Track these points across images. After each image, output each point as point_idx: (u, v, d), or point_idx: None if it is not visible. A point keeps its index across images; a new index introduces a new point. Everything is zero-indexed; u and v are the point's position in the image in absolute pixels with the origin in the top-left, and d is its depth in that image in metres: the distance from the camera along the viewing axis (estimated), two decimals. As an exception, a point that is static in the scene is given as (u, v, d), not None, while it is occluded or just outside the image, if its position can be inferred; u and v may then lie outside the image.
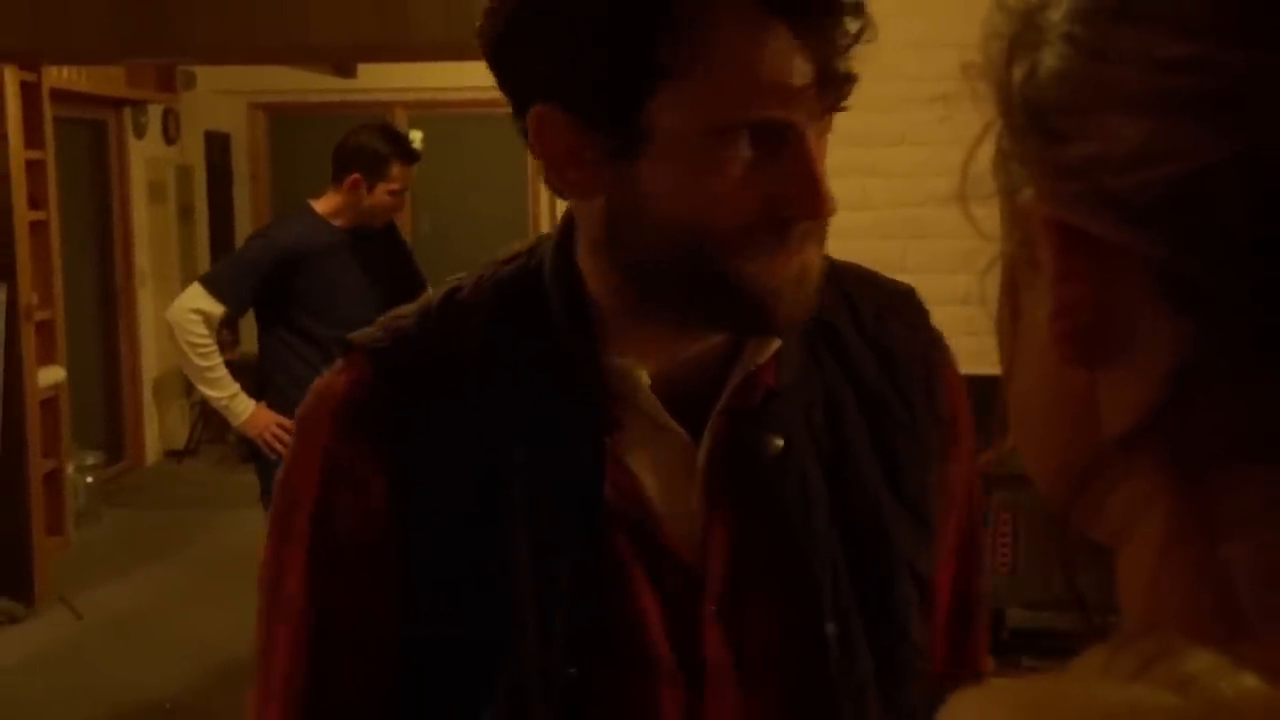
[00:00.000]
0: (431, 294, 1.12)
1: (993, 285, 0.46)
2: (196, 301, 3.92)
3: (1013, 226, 0.46)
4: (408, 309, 1.11)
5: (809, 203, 0.90)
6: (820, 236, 0.96)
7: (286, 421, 3.98)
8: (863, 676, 1.03)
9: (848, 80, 0.89)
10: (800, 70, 0.87)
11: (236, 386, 4.01)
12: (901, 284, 1.16)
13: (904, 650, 1.05)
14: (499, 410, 1.02)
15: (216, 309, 3.93)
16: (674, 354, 1.02)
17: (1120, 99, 0.39)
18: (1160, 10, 0.38)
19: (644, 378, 1.00)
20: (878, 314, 1.10)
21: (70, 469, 6.42)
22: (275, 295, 3.99)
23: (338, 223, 4.04)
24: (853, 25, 0.88)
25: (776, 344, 1.02)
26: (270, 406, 4.03)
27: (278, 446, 3.97)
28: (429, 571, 1.00)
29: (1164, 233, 0.38)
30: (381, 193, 4.03)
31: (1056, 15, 0.41)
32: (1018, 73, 0.43)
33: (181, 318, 3.93)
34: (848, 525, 1.04)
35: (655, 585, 1.01)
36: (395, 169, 4.03)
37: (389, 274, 4.19)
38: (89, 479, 6.95)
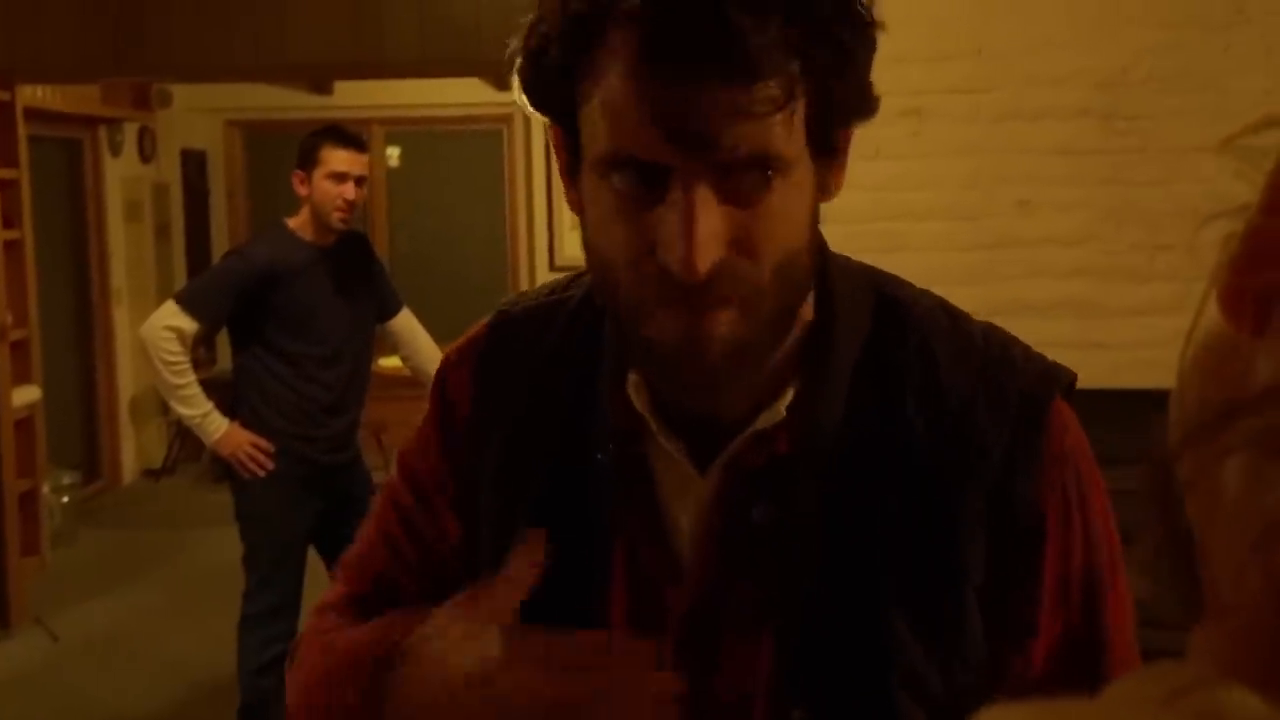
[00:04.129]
0: (580, 270, 1.15)
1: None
2: (170, 319, 3.90)
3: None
4: (556, 280, 1.17)
5: (672, 251, 0.87)
6: (727, 308, 0.91)
7: (260, 441, 3.96)
8: None
9: (712, 142, 0.85)
10: (666, 121, 0.85)
11: (210, 405, 3.98)
12: (1041, 365, 1.02)
13: None
14: (552, 393, 1.09)
15: (190, 326, 3.90)
16: None
17: None
18: None
19: (641, 399, 1.01)
20: (970, 397, 0.99)
21: (46, 489, 6.39)
22: (250, 313, 3.97)
23: (309, 237, 4.03)
24: (768, 90, 0.85)
25: (782, 412, 0.98)
26: (244, 425, 4.01)
27: (251, 465, 3.95)
28: (472, 509, 1.12)
29: None
30: (320, 180, 3.97)
31: None
32: None
33: (155, 335, 3.89)
34: (837, 618, 0.98)
35: (633, 602, 1.04)
36: (325, 151, 3.98)
37: (364, 291, 4.19)
38: (65, 499, 6.90)
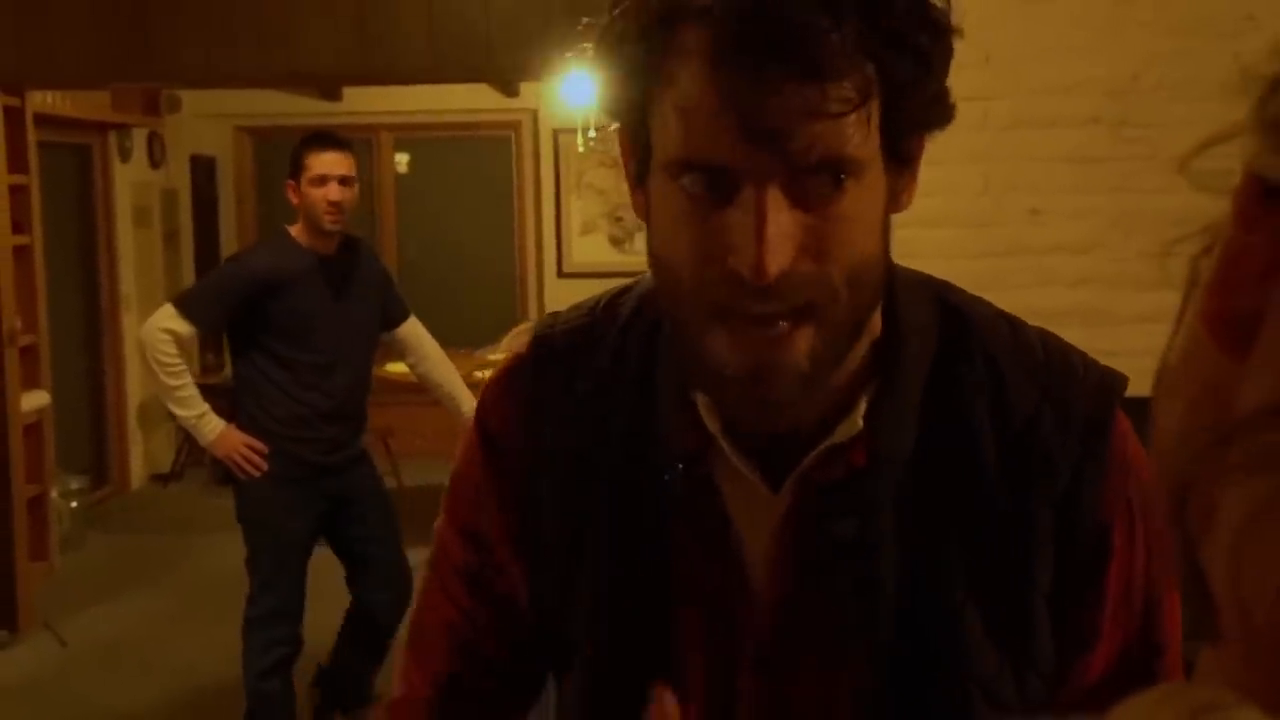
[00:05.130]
0: (620, 284, 1.14)
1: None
2: (167, 322, 3.95)
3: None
4: (595, 296, 1.13)
5: (742, 254, 0.86)
6: (802, 326, 0.90)
7: (255, 442, 4.00)
8: None
9: (784, 141, 0.85)
10: (738, 119, 0.85)
11: (206, 406, 4.02)
12: (1100, 374, 1.02)
13: None
14: (608, 414, 1.06)
15: (186, 330, 3.95)
16: None
17: None
18: None
19: (713, 422, 0.99)
20: (1035, 407, 0.99)
21: (54, 494, 6.39)
22: (249, 319, 4.00)
23: (308, 244, 4.05)
24: (842, 90, 0.84)
25: (858, 427, 0.98)
26: (242, 430, 4.04)
27: (247, 467, 4.00)
28: (534, 544, 1.09)
29: None
30: (306, 186, 3.99)
31: None
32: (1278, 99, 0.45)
33: (152, 337, 3.95)
34: (916, 631, 0.99)
35: (704, 621, 1.03)
36: (308, 157, 4.01)
37: (366, 298, 4.19)
38: (73, 504, 6.91)
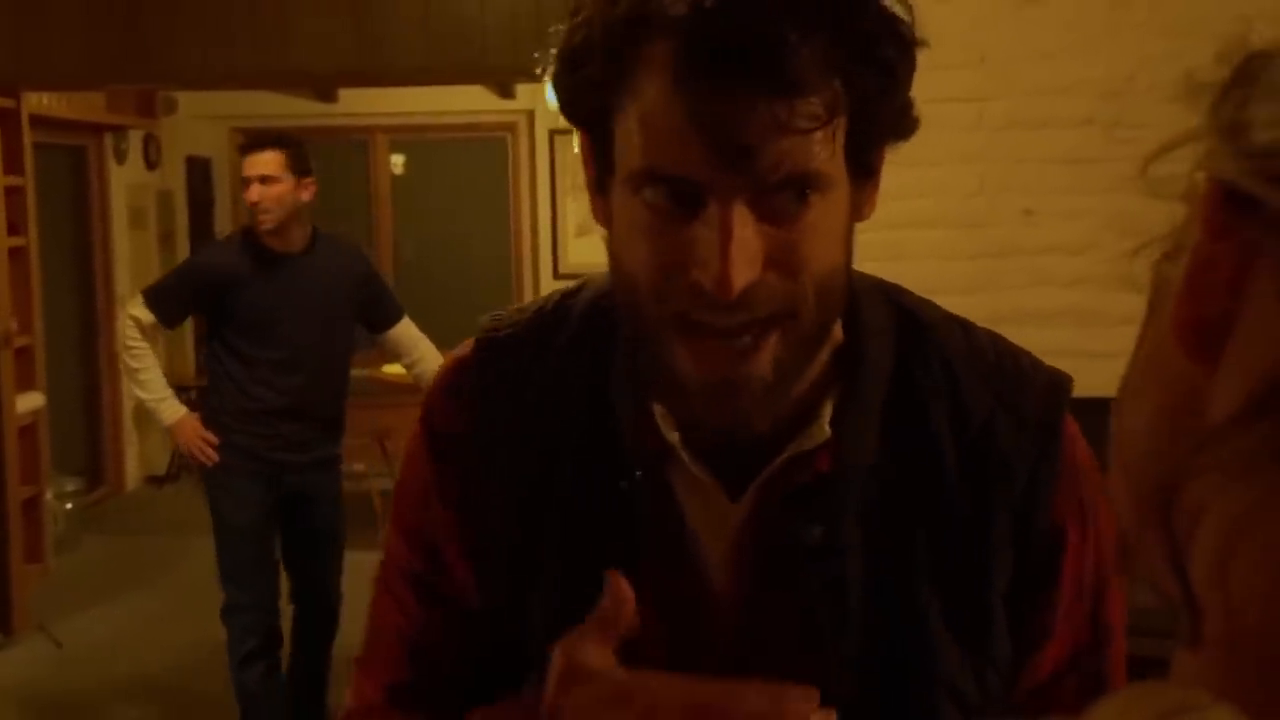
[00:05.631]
0: (566, 287, 1.12)
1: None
2: (134, 309, 4.14)
3: (1187, 219, 0.47)
4: (540, 298, 1.12)
5: (707, 268, 0.86)
6: (766, 339, 0.90)
7: (208, 434, 4.09)
8: None
9: (752, 158, 0.84)
10: (706, 135, 0.84)
11: (168, 392, 4.16)
12: (1048, 376, 1.03)
13: None
14: (561, 419, 1.04)
15: (148, 318, 4.10)
16: None
17: None
18: None
19: (671, 431, 0.99)
20: (990, 411, 1.00)
21: (49, 495, 6.39)
22: (210, 314, 4.13)
23: (272, 244, 4.07)
24: (810, 106, 0.84)
25: (825, 433, 0.98)
26: (204, 420, 4.13)
27: (199, 456, 4.10)
28: (483, 546, 1.06)
29: None
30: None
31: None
32: (1230, 104, 0.45)
33: (121, 323, 4.22)
34: (882, 632, 0.99)
35: (664, 626, 1.01)
36: (242, 162, 4.12)
37: (344, 300, 4.19)
38: (68, 505, 6.91)
